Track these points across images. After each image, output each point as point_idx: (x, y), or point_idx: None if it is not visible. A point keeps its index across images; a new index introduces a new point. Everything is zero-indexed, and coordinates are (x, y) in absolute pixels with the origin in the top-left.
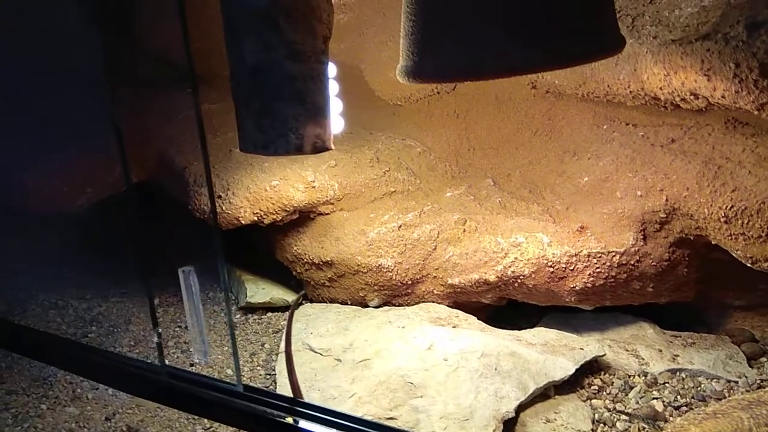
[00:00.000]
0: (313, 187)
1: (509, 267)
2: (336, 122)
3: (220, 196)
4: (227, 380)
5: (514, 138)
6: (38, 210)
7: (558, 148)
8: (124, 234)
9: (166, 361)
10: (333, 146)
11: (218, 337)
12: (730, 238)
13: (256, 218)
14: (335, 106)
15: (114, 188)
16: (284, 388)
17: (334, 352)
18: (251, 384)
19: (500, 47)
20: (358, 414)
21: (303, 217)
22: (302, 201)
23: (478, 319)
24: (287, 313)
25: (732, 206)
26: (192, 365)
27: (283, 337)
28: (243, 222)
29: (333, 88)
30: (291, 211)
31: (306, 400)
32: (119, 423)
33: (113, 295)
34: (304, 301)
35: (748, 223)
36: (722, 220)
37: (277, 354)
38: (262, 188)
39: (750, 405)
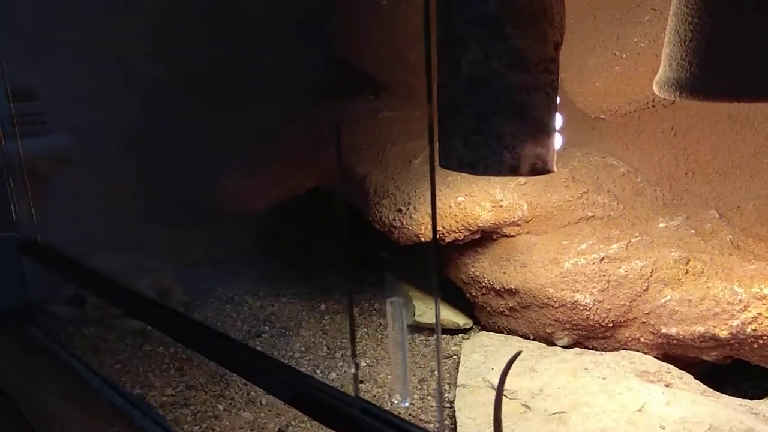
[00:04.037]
0: (501, 206)
1: (749, 323)
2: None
3: (400, 210)
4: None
5: (748, 163)
6: (229, 209)
7: None
8: (294, 236)
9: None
10: (555, 168)
11: (386, 354)
12: None
13: (437, 236)
14: (557, 122)
15: (293, 191)
16: (465, 429)
17: (521, 397)
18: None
19: None
20: None
21: (484, 238)
22: (488, 221)
23: (692, 376)
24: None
25: None
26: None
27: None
28: (423, 239)
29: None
30: (474, 231)
31: None
32: None
33: (284, 296)
34: (475, 327)
35: None
36: None
37: (450, 384)
38: (446, 204)
39: None
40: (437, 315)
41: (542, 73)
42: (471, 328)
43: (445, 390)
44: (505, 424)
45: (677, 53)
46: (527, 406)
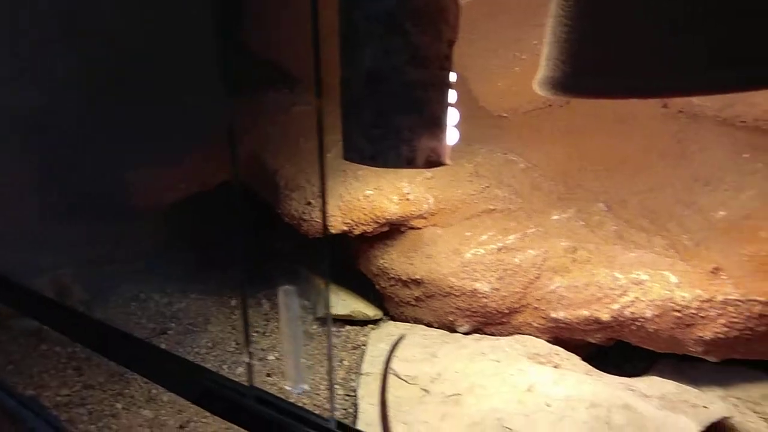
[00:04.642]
0: (408, 199)
1: (627, 307)
2: (451, 134)
3: (309, 203)
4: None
5: (633, 160)
6: (136, 204)
7: (687, 176)
8: (205, 231)
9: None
10: (449, 161)
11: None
12: None
13: (346, 228)
14: (452, 117)
15: (203, 185)
16: (366, 415)
17: (420, 381)
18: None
19: (687, 63)
20: None
21: (393, 230)
22: (395, 213)
23: (579, 357)
24: (363, 343)
25: None
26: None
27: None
28: (333, 232)
29: (451, 96)
30: (383, 223)
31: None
32: None
33: (193, 292)
34: (385, 318)
35: None
36: None
37: (357, 374)
38: (355, 197)
39: None
40: (327, 304)
41: (438, 70)
42: (381, 319)
43: (351, 379)
44: (404, 408)
45: (553, 53)
46: (426, 390)
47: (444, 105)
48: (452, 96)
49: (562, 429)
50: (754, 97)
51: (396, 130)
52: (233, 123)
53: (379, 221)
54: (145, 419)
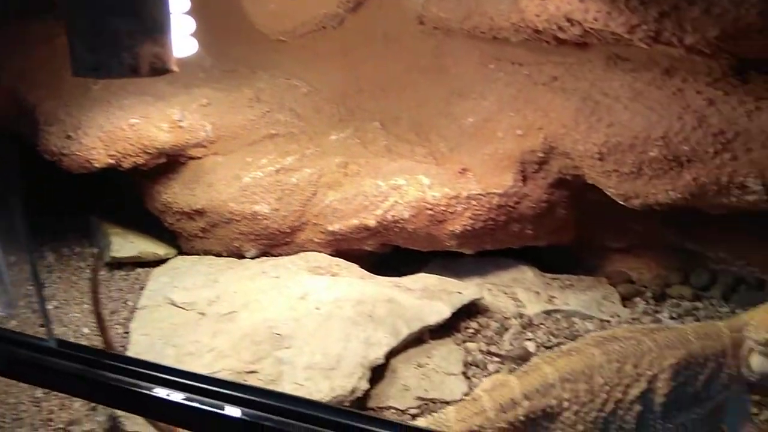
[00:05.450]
0: (181, 127)
1: (389, 211)
2: (186, 43)
3: (69, 136)
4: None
5: (402, 78)
6: None
7: (445, 89)
8: None
9: None
10: (176, 68)
11: (79, 295)
12: (603, 175)
13: (112, 161)
14: (184, 25)
15: None
16: (136, 345)
17: (198, 306)
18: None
19: None
20: (215, 369)
21: (172, 162)
22: (167, 142)
23: (362, 267)
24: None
25: (606, 141)
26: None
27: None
28: (96, 165)
29: (182, 3)
30: (155, 154)
31: (160, 357)
32: None
33: None
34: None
35: (621, 159)
36: (596, 156)
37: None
38: (118, 127)
39: (603, 341)
40: (27, 238)
41: None
42: (174, 258)
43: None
44: (178, 332)
45: None
46: (202, 314)
47: (164, 8)
48: (183, 3)
49: (329, 327)
50: (483, 6)
51: (114, 36)
52: None
53: (149, 151)
54: None
